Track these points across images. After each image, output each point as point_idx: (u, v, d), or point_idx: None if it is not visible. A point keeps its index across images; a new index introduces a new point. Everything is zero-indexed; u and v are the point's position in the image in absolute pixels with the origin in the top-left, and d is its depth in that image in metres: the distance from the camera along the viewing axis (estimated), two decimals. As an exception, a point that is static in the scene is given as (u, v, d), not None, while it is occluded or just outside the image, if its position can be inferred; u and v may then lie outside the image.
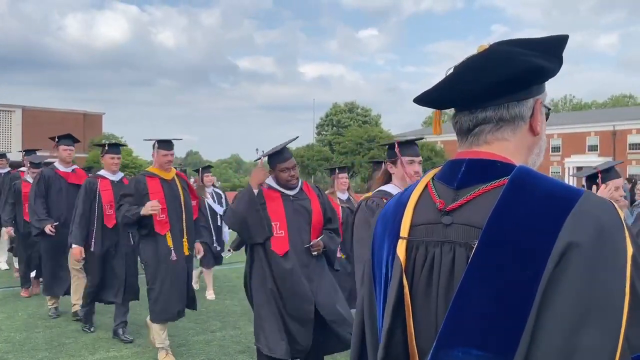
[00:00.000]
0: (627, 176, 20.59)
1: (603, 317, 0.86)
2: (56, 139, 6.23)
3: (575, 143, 45.04)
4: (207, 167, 8.38)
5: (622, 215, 0.95)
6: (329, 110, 61.06)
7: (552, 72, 1.10)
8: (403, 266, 1.09)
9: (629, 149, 43.30)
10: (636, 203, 7.46)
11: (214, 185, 8.22)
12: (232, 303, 7.18)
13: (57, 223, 6.04)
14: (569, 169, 41.14)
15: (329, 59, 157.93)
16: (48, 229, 5.94)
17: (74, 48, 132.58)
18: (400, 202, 1.17)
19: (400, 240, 1.11)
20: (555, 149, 45.70)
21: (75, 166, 6.46)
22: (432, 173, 1.19)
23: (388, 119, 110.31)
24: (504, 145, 1.10)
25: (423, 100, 1.16)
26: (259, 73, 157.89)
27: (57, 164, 6.37)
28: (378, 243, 1.19)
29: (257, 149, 57.04)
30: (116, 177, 5.68)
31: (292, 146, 61.44)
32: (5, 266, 9.16)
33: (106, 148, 5.65)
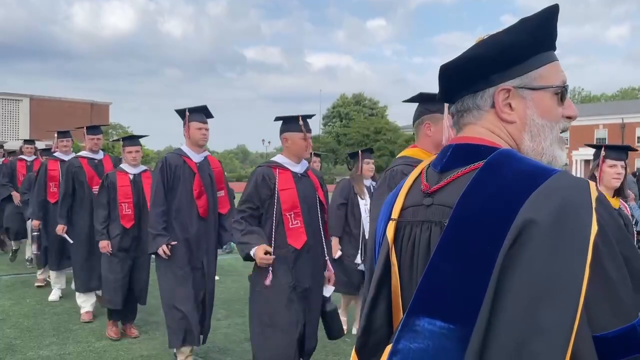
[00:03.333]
0: (635, 169, 20.42)
1: (559, 294, 0.86)
2: (187, 112, 4.38)
3: (583, 135, 44.73)
4: (368, 151, 5.62)
5: (594, 195, 0.93)
6: (336, 101, 60.92)
7: (505, 59, 1.08)
8: (390, 245, 1.16)
9: (638, 142, 43.01)
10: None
11: (372, 179, 5.56)
12: (237, 292, 7.22)
13: (174, 243, 4.23)
14: (576, 162, 40.95)
15: (336, 50, 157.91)
16: (162, 250, 4.17)
17: (81, 37, 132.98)
18: (400, 187, 1.24)
19: (390, 222, 1.18)
20: (563, 141, 45.31)
21: (207, 152, 4.63)
22: (429, 160, 1.24)
23: (394, 110, 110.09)
24: (474, 129, 1.14)
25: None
26: (266, 63, 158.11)
27: (185, 148, 4.46)
28: (378, 226, 1.26)
29: (263, 140, 57.20)
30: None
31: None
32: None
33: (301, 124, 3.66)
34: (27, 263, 8.42)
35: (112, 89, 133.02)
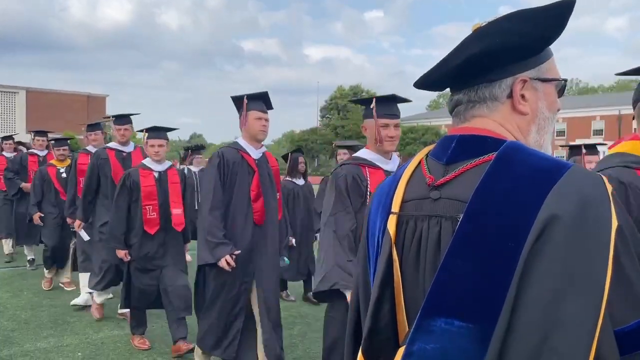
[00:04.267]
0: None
1: (584, 290, 0.86)
2: (245, 100, 3.70)
3: (580, 127, 44.80)
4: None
5: (609, 188, 0.93)
6: (333, 93, 60.81)
7: (527, 49, 1.08)
8: (393, 240, 1.10)
9: (635, 133, 43.02)
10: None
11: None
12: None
13: (238, 252, 3.61)
14: (573, 154, 40.98)
15: (334, 42, 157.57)
16: (224, 262, 3.53)
17: (77, 29, 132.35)
18: (395, 178, 1.19)
19: (391, 215, 1.12)
20: (560, 132, 45.45)
21: (264, 148, 3.96)
22: (426, 150, 1.20)
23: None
24: (483, 121, 1.11)
25: (418, 84, 1.21)
26: (264, 56, 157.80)
27: (242, 142, 3.80)
28: (372, 219, 1.20)
29: (260, 132, 57.13)
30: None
31: (296, 129, 61.19)
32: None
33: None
34: (28, 265, 7.87)
35: (109, 81, 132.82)
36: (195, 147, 8.55)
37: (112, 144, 5.49)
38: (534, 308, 0.87)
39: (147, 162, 4.64)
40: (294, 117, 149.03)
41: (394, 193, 1.15)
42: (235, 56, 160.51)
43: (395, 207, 1.13)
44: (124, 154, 5.38)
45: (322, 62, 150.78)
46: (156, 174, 4.57)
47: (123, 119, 5.42)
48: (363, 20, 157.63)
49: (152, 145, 4.53)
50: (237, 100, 3.76)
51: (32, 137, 8.24)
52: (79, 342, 4.85)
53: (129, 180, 4.49)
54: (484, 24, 1.09)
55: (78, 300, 5.90)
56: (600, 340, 0.85)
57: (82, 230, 5.44)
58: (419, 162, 1.17)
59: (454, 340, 0.93)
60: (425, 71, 1.17)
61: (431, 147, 1.19)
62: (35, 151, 7.99)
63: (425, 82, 1.19)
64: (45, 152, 7.92)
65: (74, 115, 36.66)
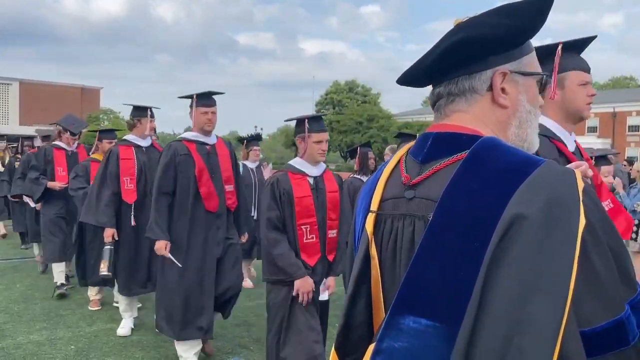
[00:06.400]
0: (626, 158, 20.58)
1: (549, 289, 0.85)
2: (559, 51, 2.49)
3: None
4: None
5: (580, 186, 0.92)
6: (329, 88, 60.70)
7: (506, 42, 1.07)
8: (370, 238, 1.11)
9: (628, 130, 43.28)
10: (634, 184, 7.49)
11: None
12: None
13: None
14: (567, 151, 41.05)
15: (329, 36, 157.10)
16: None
17: (70, 21, 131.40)
18: (377, 176, 1.19)
19: (369, 214, 1.14)
20: (555, 130, 45.49)
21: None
22: (407, 147, 1.19)
23: (388, 97, 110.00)
24: (461, 117, 1.09)
25: (401, 80, 1.20)
26: (258, 49, 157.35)
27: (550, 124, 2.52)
28: (357, 219, 1.21)
29: (255, 127, 57.09)
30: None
31: (290, 124, 61.16)
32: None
33: None
34: (64, 286, 6.08)
35: (103, 74, 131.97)
36: (250, 138, 6.70)
37: (189, 135, 4.06)
38: (499, 307, 0.86)
39: (297, 163, 3.42)
40: (289, 111, 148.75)
41: (374, 191, 1.16)
42: (230, 50, 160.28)
43: (374, 205, 1.13)
44: (208, 147, 4.02)
45: (318, 57, 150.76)
46: (311, 180, 3.37)
47: (209, 99, 3.97)
48: (359, 15, 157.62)
49: (319, 142, 3.36)
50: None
51: (59, 127, 6.53)
52: (72, 335, 4.84)
53: (278, 188, 3.28)
54: (465, 19, 1.09)
55: (123, 331, 4.86)
56: (565, 339, 0.84)
57: (170, 254, 3.88)
58: (399, 160, 1.16)
59: (422, 339, 0.94)
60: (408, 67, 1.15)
61: (412, 144, 1.18)
62: (60, 144, 6.32)
63: (408, 78, 1.18)
64: (75, 145, 6.41)
65: (67, 108, 36.41)
